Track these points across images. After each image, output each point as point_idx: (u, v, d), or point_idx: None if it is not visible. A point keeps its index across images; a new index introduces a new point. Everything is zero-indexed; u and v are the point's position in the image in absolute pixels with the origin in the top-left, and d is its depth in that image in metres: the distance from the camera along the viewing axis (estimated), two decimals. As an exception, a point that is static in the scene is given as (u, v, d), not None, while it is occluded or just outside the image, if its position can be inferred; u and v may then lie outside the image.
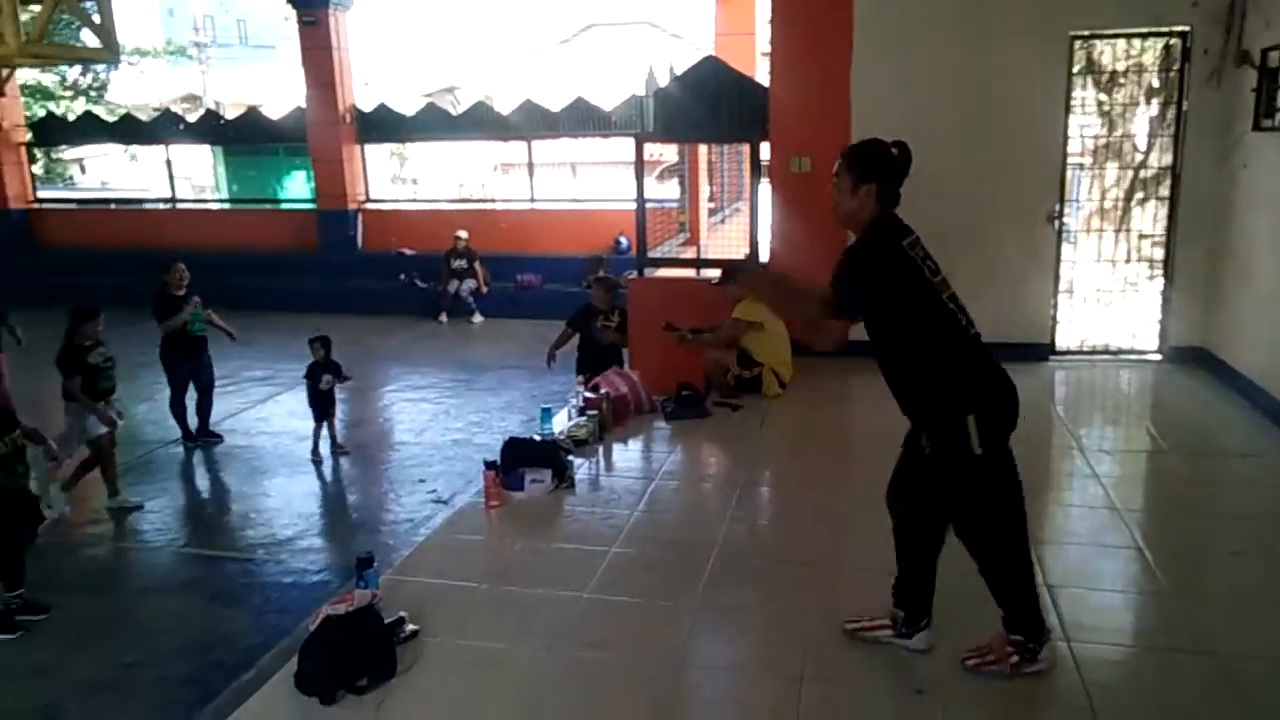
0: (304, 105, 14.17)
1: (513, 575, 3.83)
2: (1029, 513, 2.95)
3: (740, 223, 9.83)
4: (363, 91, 15.29)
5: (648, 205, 7.81)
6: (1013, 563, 2.93)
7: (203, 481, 7.19)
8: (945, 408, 2.84)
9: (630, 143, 7.88)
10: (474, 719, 2.89)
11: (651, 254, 7.83)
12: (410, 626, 3.24)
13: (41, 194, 16.74)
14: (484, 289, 12.86)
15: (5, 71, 13.14)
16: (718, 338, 6.31)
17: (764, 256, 7.37)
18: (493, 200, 16.88)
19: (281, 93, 19.63)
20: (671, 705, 3.01)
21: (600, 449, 5.43)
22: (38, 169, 17.54)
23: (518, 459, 4.75)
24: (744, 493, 4.81)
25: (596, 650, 3.25)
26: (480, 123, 14.27)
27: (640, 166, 7.53)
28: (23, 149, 15.65)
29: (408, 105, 14.89)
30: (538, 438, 5.20)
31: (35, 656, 4.49)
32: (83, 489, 6.43)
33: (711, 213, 10.94)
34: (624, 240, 12.70)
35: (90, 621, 4.82)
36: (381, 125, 14.50)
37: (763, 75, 8.18)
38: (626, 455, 5.48)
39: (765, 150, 7.21)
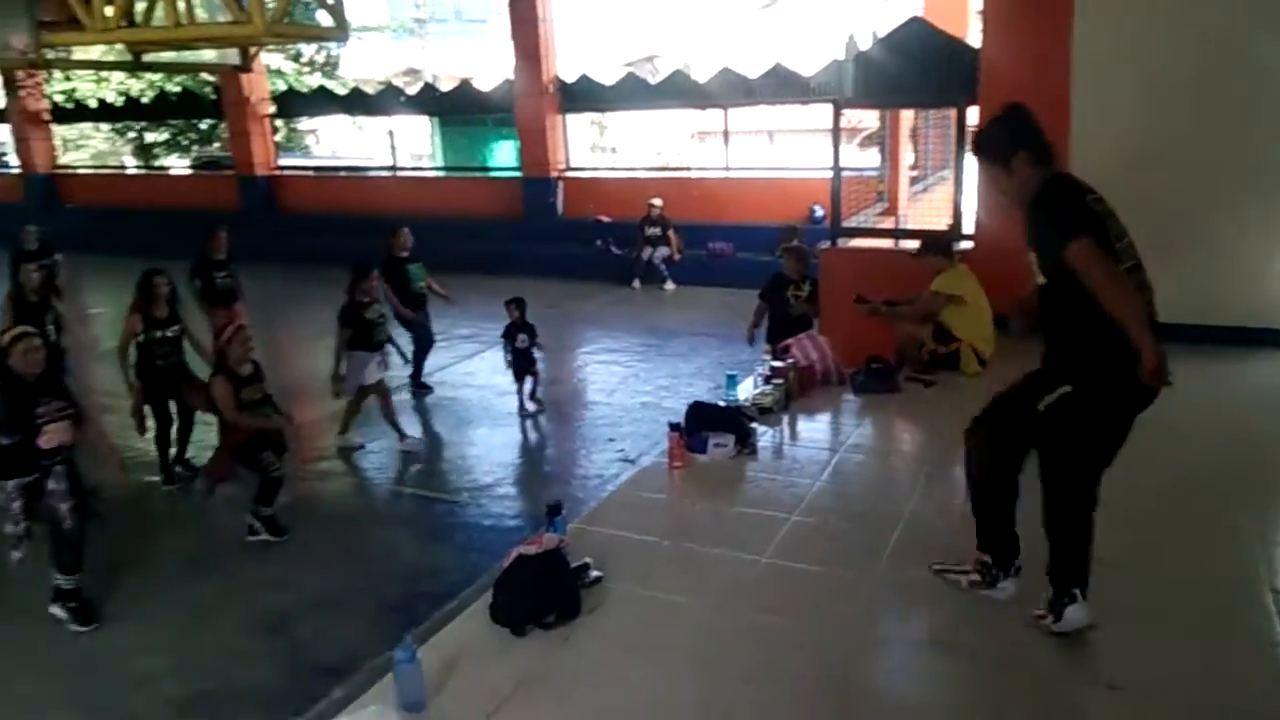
0: (512, 77, 14.80)
1: (693, 534, 3.95)
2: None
3: (944, 192, 9.44)
4: (566, 62, 15.76)
5: (845, 174, 7.66)
6: (1071, 512, 2.95)
7: (414, 429, 7.77)
8: (1097, 370, 2.80)
9: (829, 109, 7.73)
10: (651, 664, 3.02)
11: (846, 223, 7.69)
12: (595, 573, 3.43)
13: (281, 161, 18.42)
14: (677, 256, 13.03)
15: (252, 50, 14.52)
16: (913, 311, 6.12)
17: (967, 227, 7.06)
18: (688, 168, 17.00)
19: (492, 66, 20.58)
20: (843, 673, 3.03)
21: (785, 418, 5.44)
22: (279, 138, 19.29)
23: (702, 423, 4.85)
24: (934, 470, 4.69)
25: (772, 614, 3.31)
26: (678, 91, 14.40)
27: (837, 133, 7.39)
28: (267, 121, 17.28)
29: (608, 75, 15.23)
30: (722, 403, 5.28)
31: (275, 571, 5.09)
32: (314, 429, 7.14)
33: (913, 181, 10.56)
34: (819, 210, 12.48)
35: (321, 545, 5.40)
36: (583, 95, 14.91)
37: (974, 37, 7.78)
38: (812, 425, 5.46)
39: (973, 115, 6.88)
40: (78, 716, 3.89)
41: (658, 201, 13.01)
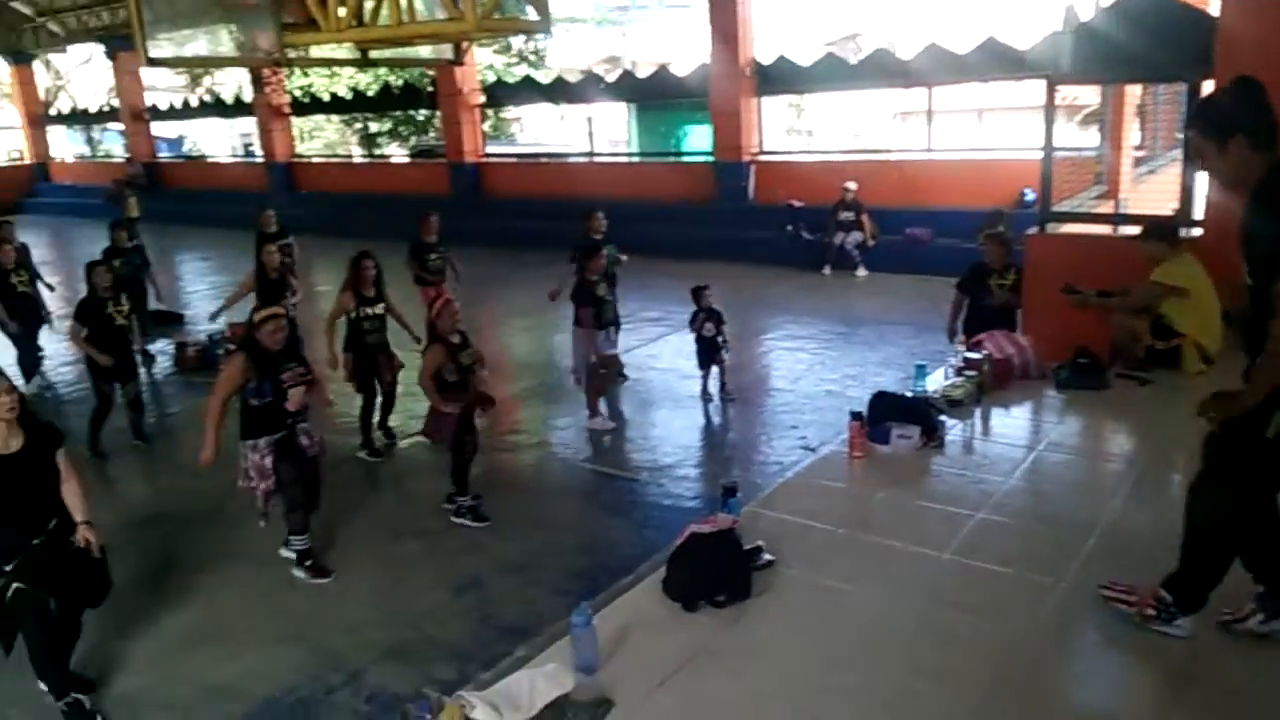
0: (708, 61, 14.84)
1: (870, 524, 3.87)
2: None
3: (1172, 174, 8.63)
4: (764, 44, 15.61)
5: (1060, 154, 7.16)
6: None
7: (600, 408, 8.01)
8: None
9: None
10: (819, 649, 3.00)
11: (1058, 207, 7.19)
12: (767, 556, 3.44)
13: (488, 149, 19.38)
14: (870, 242, 12.68)
15: (465, 45, 15.34)
16: (1128, 302, 5.67)
17: (1197, 213, 6.44)
18: (887, 150, 16.43)
19: (689, 50, 20.70)
20: (1025, 676, 2.89)
21: (977, 411, 5.21)
22: (486, 127, 20.30)
23: (886, 413, 4.73)
24: (1144, 475, 4.35)
25: (951, 610, 3.20)
26: (880, 70, 13.93)
27: (1050, 111, 6.92)
28: (477, 110, 18.23)
29: (807, 56, 14.96)
30: (909, 394, 5.12)
31: (468, 536, 5.43)
32: (506, 404, 7.51)
33: (1138, 162, 9.73)
34: (1030, 193, 11.74)
35: (511, 514, 5.69)
36: (779, 77, 14.74)
37: (1213, 4, 7.06)
38: (1006, 421, 5.20)
39: (1208, 90, 6.25)
40: (297, 652, 4.32)
41: (852, 185, 12.69)
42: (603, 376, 7.17)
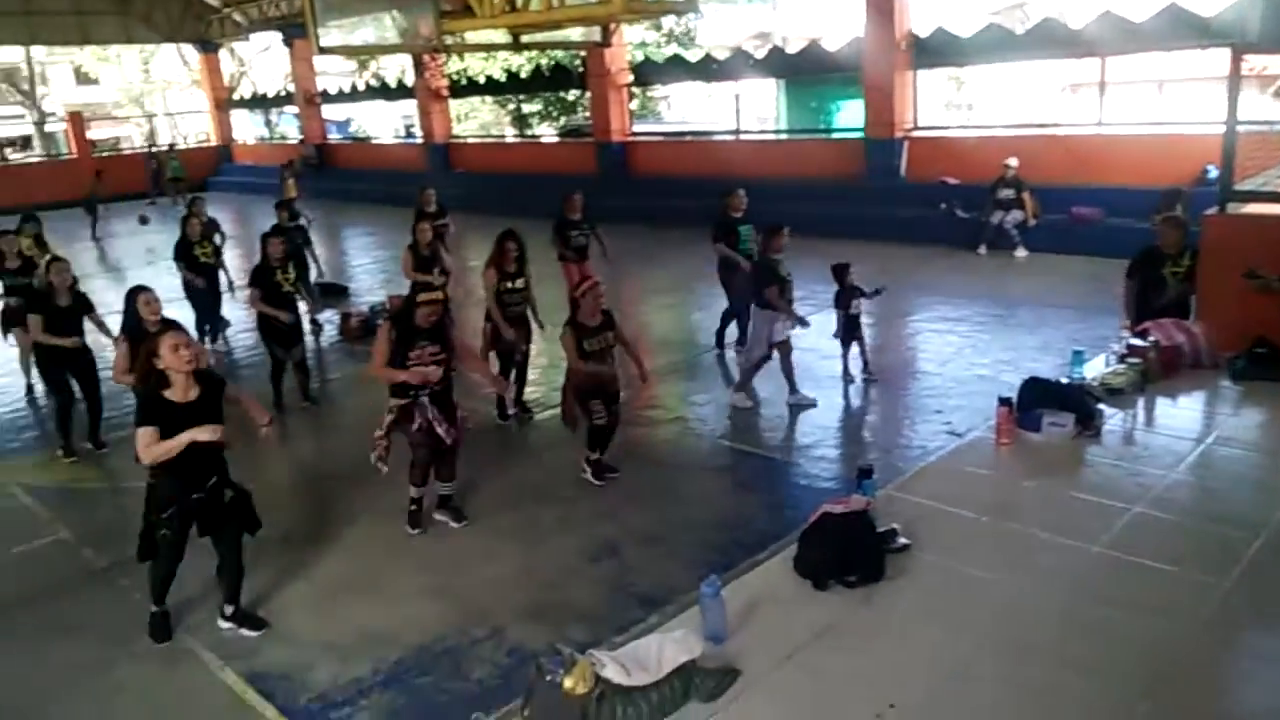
0: (861, 34, 14.42)
1: (1015, 513, 3.73)
2: None
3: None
4: (921, 15, 15.00)
5: (1247, 129, 6.59)
6: None
7: (750, 388, 7.99)
8: None
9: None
10: (953, 634, 2.94)
11: (1241, 186, 6.62)
12: (903, 540, 3.38)
13: (635, 128, 19.54)
14: (1032, 221, 12.05)
15: (612, 26, 15.49)
16: (1317, 288, 5.19)
17: None
18: (1054, 125, 15.51)
19: (842, 24, 20.17)
20: (1184, 674, 2.74)
21: (1140, 401, 4.91)
22: (634, 106, 20.46)
23: (1038, 399, 4.53)
24: (1325, 475, 4.01)
25: (1101, 605, 3.06)
26: (1048, 40, 13.15)
27: (1235, 81, 6.36)
28: (624, 90, 18.41)
29: (968, 26, 14.29)
30: (1064, 380, 4.88)
31: (606, 505, 5.57)
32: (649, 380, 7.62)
33: (1343, 136, 8.82)
34: (1213, 170, 10.84)
35: (648, 486, 5.81)
36: (937, 50, 14.15)
37: None
38: (1172, 411, 4.88)
39: None
40: (445, 605, 4.57)
41: (1013, 162, 12.08)
42: (783, 355, 7.04)
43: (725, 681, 2.67)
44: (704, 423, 7.04)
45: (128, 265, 15.56)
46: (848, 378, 7.51)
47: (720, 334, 8.66)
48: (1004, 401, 4.45)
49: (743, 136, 18.16)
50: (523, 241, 6.95)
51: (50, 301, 6.58)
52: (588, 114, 21.04)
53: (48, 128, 32.30)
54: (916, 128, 14.64)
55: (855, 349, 7.51)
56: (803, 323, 6.89)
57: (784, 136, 19.03)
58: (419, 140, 23.42)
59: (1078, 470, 4.17)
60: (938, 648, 2.88)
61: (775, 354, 6.97)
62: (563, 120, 27.83)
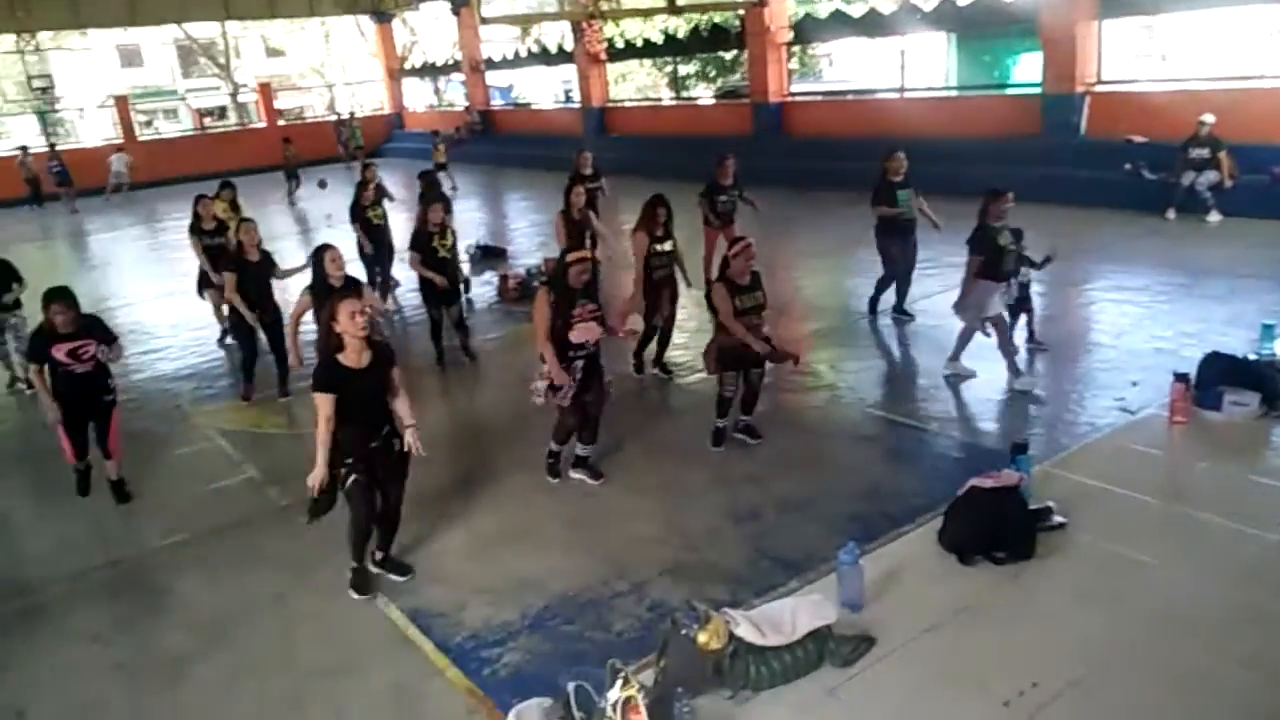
0: (1042, -18, 13.50)
1: (1187, 496, 3.50)
2: None
3: None
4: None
5: None
6: None
7: (893, 353, 7.81)
8: None
9: None
10: (1106, 618, 2.82)
11: None
12: (1058, 518, 3.24)
13: (793, 88, 19.07)
14: (1228, 182, 11.02)
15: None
16: None
17: None
18: (1257, 77, 14.06)
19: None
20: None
21: (1343, 380, 4.46)
22: (794, 65, 19.96)
23: (1219, 376, 4.20)
24: None
25: (1275, 598, 2.84)
26: (1254, -19, 11.92)
27: None
28: (783, 49, 17.98)
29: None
30: (1252, 356, 4.49)
31: (751, 469, 5.59)
32: (796, 345, 7.54)
33: None
34: None
35: (794, 452, 5.78)
36: (1126, -4, 13.08)
37: None
38: (1381, 393, 4.40)
39: None
40: (590, 558, 4.73)
41: (1209, 118, 11.05)
42: (997, 331, 6.67)
43: (861, 649, 2.67)
44: (854, 390, 6.90)
45: (311, 227, 16.65)
46: (1012, 348, 7.15)
47: (874, 300, 8.44)
48: (1180, 377, 4.17)
49: (908, 94, 17.44)
50: (670, 206, 7.01)
51: (241, 259, 7.16)
52: (745, 74, 20.74)
53: (240, 98, 34.72)
54: (1100, 82, 13.62)
55: (1023, 319, 7.14)
56: (1008, 296, 6.57)
57: (953, 94, 18.14)
58: (576, 105, 23.78)
59: (1260, 453, 3.87)
60: (1087, 630, 2.76)
61: (990, 329, 6.56)
62: (720, 82, 27.55)
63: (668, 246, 7.03)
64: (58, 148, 23.51)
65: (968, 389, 6.66)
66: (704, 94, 26.91)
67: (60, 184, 21.82)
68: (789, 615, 2.66)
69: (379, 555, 4.76)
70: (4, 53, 25.68)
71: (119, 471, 5.87)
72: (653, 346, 7.37)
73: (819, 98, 20.35)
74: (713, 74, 27.72)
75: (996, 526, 3.07)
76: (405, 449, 4.53)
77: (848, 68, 29.97)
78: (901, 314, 8.28)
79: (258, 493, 5.89)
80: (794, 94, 18.81)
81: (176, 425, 7.26)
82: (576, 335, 5.20)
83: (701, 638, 2.59)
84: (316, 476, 4.25)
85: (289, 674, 4.04)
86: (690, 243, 7.46)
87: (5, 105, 31.45)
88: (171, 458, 6.60)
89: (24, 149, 23.29)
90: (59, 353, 5.34)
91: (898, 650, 2.69)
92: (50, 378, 5.46)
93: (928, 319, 8.19)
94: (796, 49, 20.19)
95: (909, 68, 17.44)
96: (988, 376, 6.84)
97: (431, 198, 8.54)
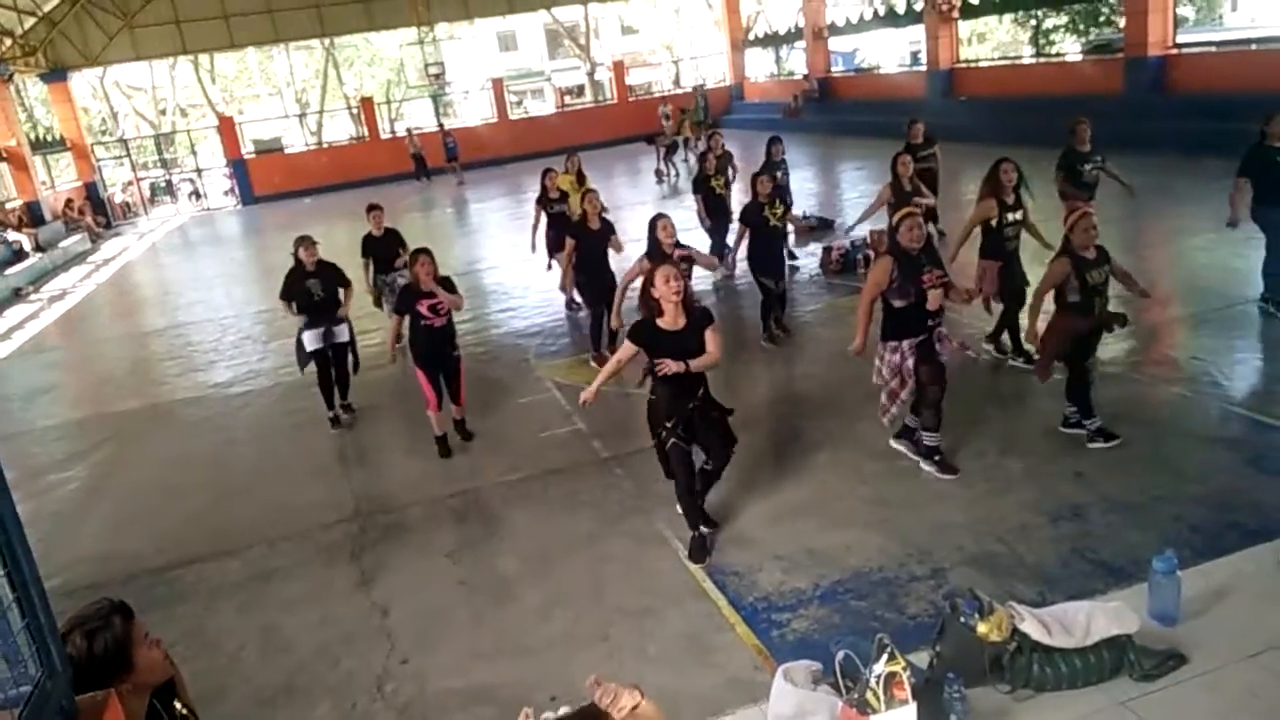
0: None
1: None
2: None
3: None
4: None
5: None
6: None
7: (1272, 346, 6.67)
8: None
9: None
10: None
11: None
12: None
13: (1180, 38, 16.70)
14: None
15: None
16: None
17: None
18: None
19: None
20: None
21: None
22: (1188, 11, 17.45)
23: None
24: None
25: None
26: None
27: None
28: (1171, -7, 15.78)
29: None
30: None
31: (1081, 464, 5.14)
32: (1156, 332, 6.73)
33: None
34: None
35: (1133, 450, 5.21)
36: None
37: None
38: None
39: None
40: (888, 538, 4.65)
41: None
42: None
43: (1167, 665, 2.41)
44: (1219, 386, 6.05)
45: (650, 198, 17.59)
46: None
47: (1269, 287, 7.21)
48: None
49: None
50: (1021, 169, 6.51)
51: (584, 228, 7.79)
52: (1122, 27, 18.54)
53: (596, 76, 37.25)
54: None
55: None
56: None
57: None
58: (922, 68, 22.72)
59: None
60: None
61: None
62: (1092, 34, 24.85)
63: (1018, 215, 6.53)
64: (446, 127, 27.00)
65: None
66: (1071, 50, 24.47)
67: (450, 159, 24.99)
68: (1083, 618, 2.46)
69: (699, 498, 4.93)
70: (408, 44, 29.69)
71: (463, 414, 6.71)
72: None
73: (1213, 49, 17.65)
74: (1084, 26, 25.08)
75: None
76: (719, 414, 4.70)
77: (1257, 10, 25.74)
78: (1267, 302, 7.04)
79: (583, 443, 6.46)
80: (1180, 45, 16.48)
81: (522, 376, 8.13)
82: (931, 303, 5.00)
83: (981, 628, 2.48)
84: (587, 392, 4.74)
85: (597, 608, 4.44)
86: (1047, 223, 6.84)
87: (408, 91, 36.38)
88: (514, 405, 7.42)
89: (410, 130, 27.06)
90: (422, 307, 6.20)
91: (1211, 673, 2.39)
92: (411, 332, 6.36)
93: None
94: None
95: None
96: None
97: (764, 168, 8.68)
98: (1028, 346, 6.37)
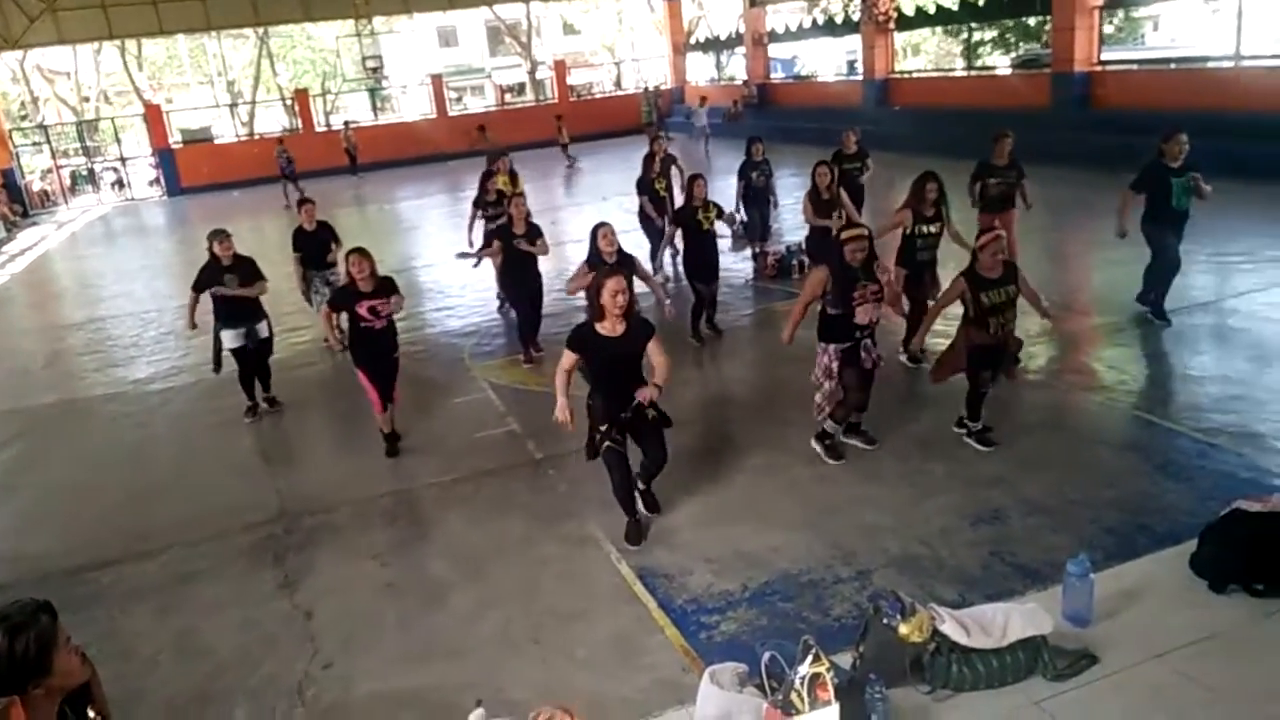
0: None
1: None
2: None
3: None
4: None
5: None
6: None
7: (1178, 354, 6.94)
8: None
9: None
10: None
11: None
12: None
13: (1105, 55, 17.24)
14: None
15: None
16: None
17: None
18: None
19: None
20: None
21: None
22: (1110, 29, 18.00)
23: None
24: None
25: None
26: None
27: None
28: (1096, 12, 16.33)
29: None
30: None
31: (997, 469, 5.29)
32: (1069, 341, 6.96)
33: None
34: None
35: (1046, 454, 5.40)
36: None
37: None
38: None
39: None
40: (816, 540, 4.72)
41: None
42: None
43: (1080, 665, 2.50)
44: (1132, 394, 6.29)
45: (583, 201, 17.56)
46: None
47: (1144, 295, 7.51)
48: None
49: (1244, 63, 15.24)
50: (942, 184, 6.68)
51: (509, 232, 7.75)
52: (1049, 41, 19.10)
53: (538, 75, 37.06)
54: None
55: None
56: None
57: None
58: (858, 77, 23.12)
59: None
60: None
61: None
62: (1021, 49, 25.58)
63: (933, 229, 6.70)
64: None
65: (1275, 400, 5.85)
66: (1001, 63, 25.16)
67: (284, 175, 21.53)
68: (1000, 619, 2.54)
69: (641, 486, 5.05)
70: (346, 36, 29.18)
71: (394, 413, 6.58)
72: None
73: (1134, 66, 18.32)
74: (1014, 40, 25.80)
75: (1259, 554, 2.73)
76: (653, 417, 4.76)
77: (1177, 31, 26.78)
78: (1159, 315, 7.34)
79: (518, 444, 6.42)
80: (1105, 62, 17.05)
81: (458, 376, 8.05)
82: (859, 316, 5.17)
83: (903, 629, 2.54)
84: (559, 410, 4.72)
85: (528, 611, 4.42)
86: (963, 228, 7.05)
87: (344, 84, 35.74)
88: (450, 405, 7.35)
89: (346, 124, 26.63)
90: (361, 309, 6.10)
91: (1121, 672, 2.49)
92: (351, 333, 6.26)
93: (1234, 319, 7.26)
94: (1118, 12, 18.15)
95: (1252, 30, 15.19)
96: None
97: (744, 168, 8.69)
98: (913, 349, 6.86)
